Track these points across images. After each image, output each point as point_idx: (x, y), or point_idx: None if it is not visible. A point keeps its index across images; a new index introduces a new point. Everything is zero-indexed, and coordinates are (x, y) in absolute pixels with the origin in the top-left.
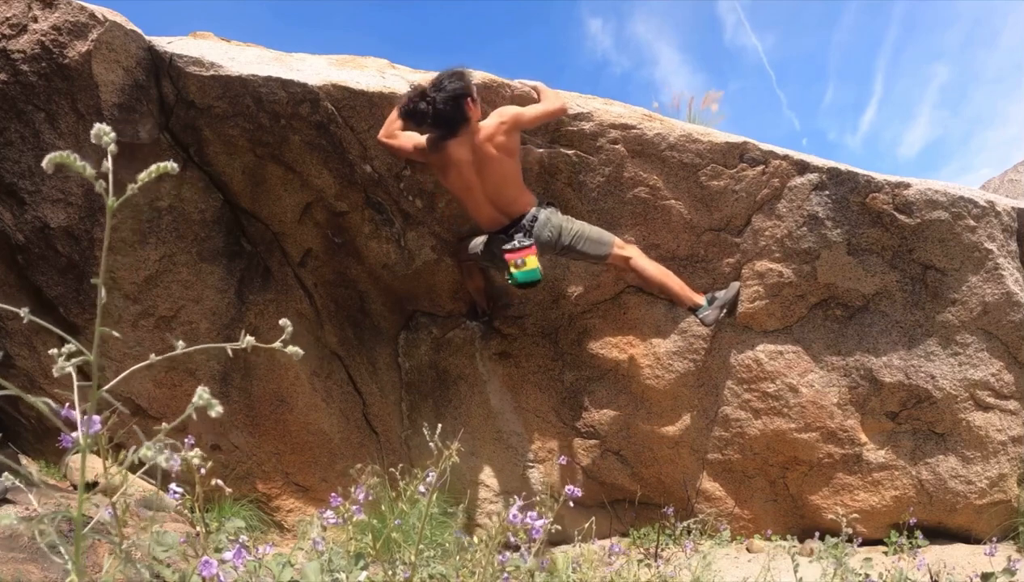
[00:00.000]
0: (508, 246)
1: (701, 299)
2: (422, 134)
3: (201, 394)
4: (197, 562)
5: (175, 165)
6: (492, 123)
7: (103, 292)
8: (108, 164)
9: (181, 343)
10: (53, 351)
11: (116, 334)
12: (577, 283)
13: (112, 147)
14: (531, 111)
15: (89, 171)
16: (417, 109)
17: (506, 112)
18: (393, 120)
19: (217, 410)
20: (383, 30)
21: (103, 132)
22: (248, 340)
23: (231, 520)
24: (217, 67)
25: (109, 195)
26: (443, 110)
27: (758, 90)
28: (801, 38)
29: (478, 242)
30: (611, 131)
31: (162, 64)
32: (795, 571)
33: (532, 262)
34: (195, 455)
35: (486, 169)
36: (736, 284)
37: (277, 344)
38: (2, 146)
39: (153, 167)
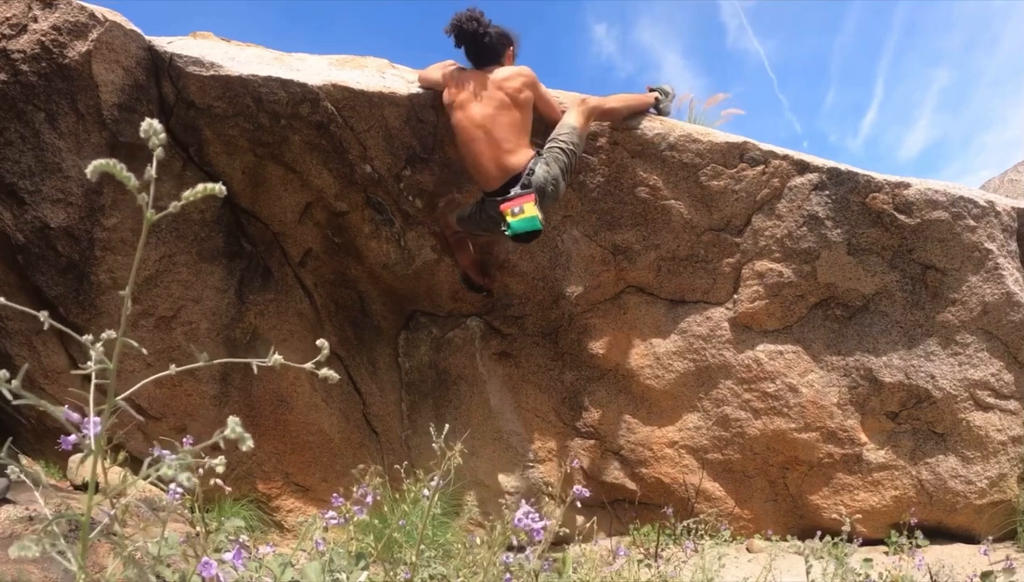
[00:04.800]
0: (502, 197)
1: (651, 96)
2: (449, 66)
3: (234, 427)
4: (197, 563)
5: (223, 188)
6: (510, 70)
7: (128, 303)
8: (152, 172)
9: (205, 355)
10: (87, 337)
11: (136, 344)
12: (577, 283)
13: (159, 151)
14: (547, 91)
15: (133, 182)
16: (463, 26)
17: (526, 69)
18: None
19: (248, 444)
20: (384, 29)
21: (152, 129)
22: (276, 359)
23: (231, 520)
24: (217, 67)
25: (148, 207)
26: (488, 39)
27: (760, 94)
28: (803, 42)
29: (465, 209)
30: (611, 131)
31: (162, 64)
32: (807, 572)
33: (531, 209)
34: (219, 463)
35: (494, 111)
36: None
37: (309, 365)
38: (2, 146)
39: (200, 187)
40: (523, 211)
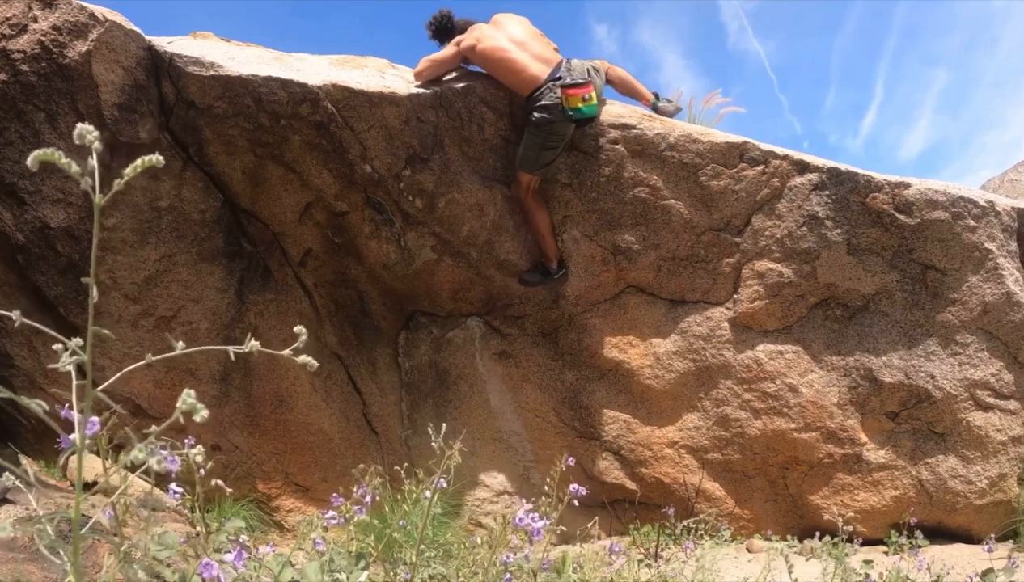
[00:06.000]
0: (567, 81)
1: (650, 94)
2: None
3: (185, 398)
4: (197, 563)
5: (161, 158)
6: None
7: (94, 291)
8: (93, 161)
9: (181, 344)
10: (57, 347)
11: (110, 334)
12: (577, 283)
13: (96, 144)
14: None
15: (75, 168)
16: (443, 21)
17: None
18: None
19: (202, 415)
20: (384, 29)
21: (86, 131)
22: (253, 344)
23: (231, 520)
24: (217, 67)
25: (96, 192)
26: (451, 21)
27: (760, 94)
28: (803, 43)
29: (519, 151)
30: (611, 131)
31: (162, 64)
32: (789, 571)
33: (594, 97)
34: (197, 452)
35: (525, 30)
36: None
37: (287, 352)
38: (2, 146)
39: (139, 161)
40: (591, 98)
